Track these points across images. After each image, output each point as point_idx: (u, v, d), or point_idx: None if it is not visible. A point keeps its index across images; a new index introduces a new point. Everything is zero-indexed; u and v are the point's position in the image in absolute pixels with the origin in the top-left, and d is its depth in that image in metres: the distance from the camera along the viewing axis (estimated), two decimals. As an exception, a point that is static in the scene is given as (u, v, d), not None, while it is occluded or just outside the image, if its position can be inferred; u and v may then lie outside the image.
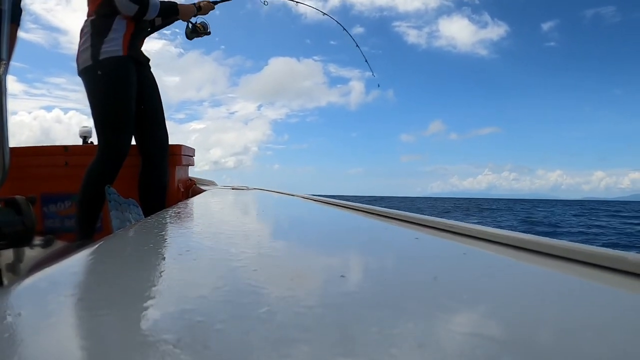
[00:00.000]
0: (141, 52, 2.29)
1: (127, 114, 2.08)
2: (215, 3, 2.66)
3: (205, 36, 2.55)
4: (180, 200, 2.59)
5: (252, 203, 1.64)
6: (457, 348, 0.29)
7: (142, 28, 2.22)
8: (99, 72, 2.06)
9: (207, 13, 2.56)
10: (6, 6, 1.20)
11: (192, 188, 2.78)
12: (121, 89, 2.08)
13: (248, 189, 2.36)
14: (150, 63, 2.29)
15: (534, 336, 0.31)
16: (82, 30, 2.13)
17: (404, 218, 0.96)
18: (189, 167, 2.92)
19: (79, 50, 2.11)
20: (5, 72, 1.23)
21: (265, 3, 2.95)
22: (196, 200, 1.75)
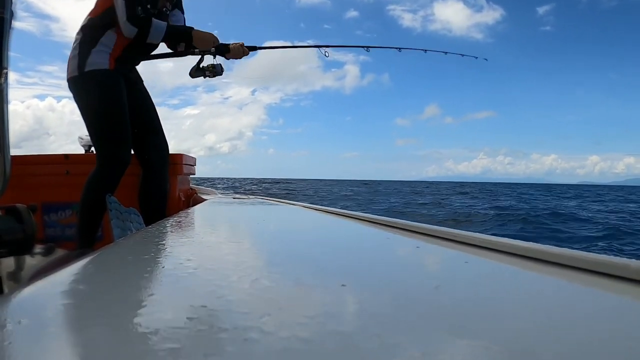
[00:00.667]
0: (134, 70, 2.25)
1: (120, 123, 2.05)
2: (253, 49, 2.48)
3: (211, 78, 2.39)
4: (182, 210, 2.59)
5: (252, 213, 1.64)
6: (460, 358, 0.29)
7: (142, 49, 2.17)
8: (85, 85, 2.04)
9: (238, 58, 2.39)
10: (8, 14, 1.21)
11: (194, 197, 2.78)
12: (109, 101, 2.04)
13: (249, 197, 2.36)
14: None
15: (538, 345, 0.31)
16: (77, 33, 2.10)
17: (405, 227, 0.96)
18: (190, 175, 2.93)
19: (69, 56, 2.08)
20: (6, 80, 1.24)
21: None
22: (197, 210, 1.74)
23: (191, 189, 2.91)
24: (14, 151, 1.31)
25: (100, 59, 2.02)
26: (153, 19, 2.02)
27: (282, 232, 1.14)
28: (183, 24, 2.33)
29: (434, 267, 0.66)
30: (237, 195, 2.52)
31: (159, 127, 2.30)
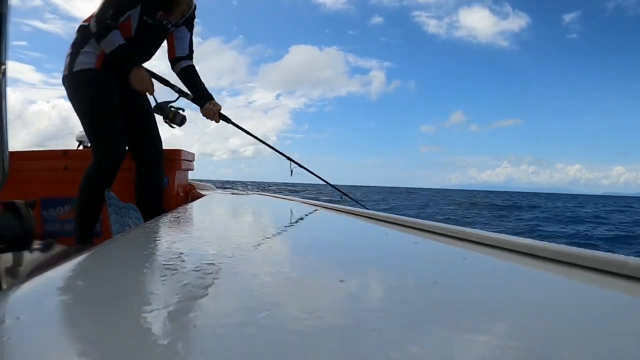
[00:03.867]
0: (127, 70, 2.20)
1: (111, 118, 2.06)
2: (225, 120, 2.39)
3: (168, 123, 2.24)
4: (180, 205, 2.59)
5: (250, 208, 1.64)
6: (458, 353, 0.29)
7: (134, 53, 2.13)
8: (74, 84, 2.07)
9: (208, 118, 2.34)
10: (7, 9, 1.20)
11: (192, 193, 2.78)
12: (97, 97, 2.06)
13: (248, 193, 2.36)
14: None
15: (535, 341, 0.31)
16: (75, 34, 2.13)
17: (404, 223, 0.96)
18: (189, 171, 2.93)
19: (66, 53, 2.12)
20: (4, 76, 1.24)
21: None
22: (195, 205, 1.74)
23: (190, 184, 2.91)
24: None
25: (87, 59, 2.05)
26: (114, 31, 2.00)
27: (279, 228, 1.14)
28: (187, 44, 2.34)
29: (433, 263, 0.67)
30: (236, 191, 2.52)
31: (153, 124, 2.30)
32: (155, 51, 2.30)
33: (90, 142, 2.13)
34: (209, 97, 2.34)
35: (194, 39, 2.39)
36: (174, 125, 2.24)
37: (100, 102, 2.06)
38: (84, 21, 2.11)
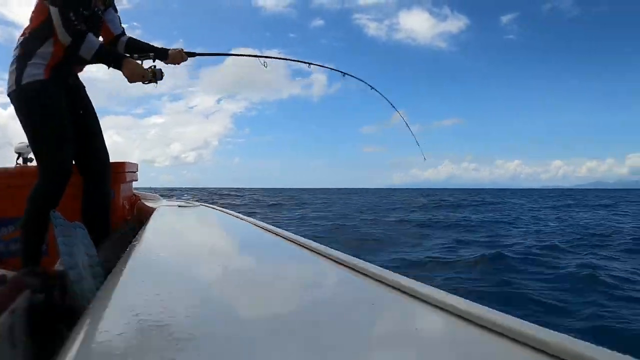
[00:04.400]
0: (75, 77, 2.27)
1: (60, 134, 2.06)
2: (192, 55, 2.54)
3: (152, 82, 2.28)
4: (126, 218, 2.67)
5: (194, 225, 1.79)
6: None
7: (79, 58, 2.15)
8: (23, 98, 2.05)
9: (177, 63, 2.48)
10: None
11: (137, 204, 2.84)
12: (46, 112, 2.06)
13: (194, 205, 2.44)
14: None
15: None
16: (14, 49, 2.10)
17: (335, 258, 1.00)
18: (133, 182, 2.99)
19: (9, 71, 2.10)
20: None
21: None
22: (144, 227, 1.81)
23: (134, 195, 2.97)
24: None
25: (35, 71, 2.04)
26: (88, 33, 2.04)
27: (208, 246, 1.29)
28: (118, 22, 2.42)
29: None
30: (182, 203, 2.60)
31: (100, 138, 2.33)
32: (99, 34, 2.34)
33: (36, 158, 2.12)
34: (167, 49, 2.46)
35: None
36: (156, 82, 2.30)
37: (48, 118, 2.06)
38: (22, 34, 2.10)
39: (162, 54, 2.44)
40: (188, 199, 2.96)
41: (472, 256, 7.32)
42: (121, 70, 2.16)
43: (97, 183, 2.29)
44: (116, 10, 2.43)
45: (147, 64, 2.36)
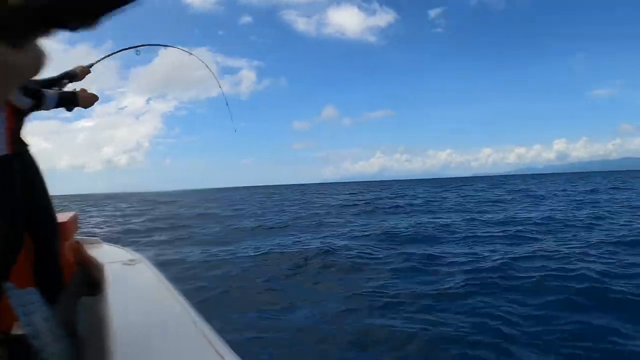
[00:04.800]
0: (21, 138, 2.20)
1: (14, 206, 2.05)
2: (90, 66, 2.67)
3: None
4: (73, 269, 2.74)
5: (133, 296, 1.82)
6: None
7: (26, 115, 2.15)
8: None
9: (83, 79, 2.59)
10: None
11: (80, 254, 2.91)
12: (5, 193, 2.02)
13: (134, 263, 2.40)
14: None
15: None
16: None
17: None
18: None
19: None
20: None
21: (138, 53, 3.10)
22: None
23: (76, 242, 3.03)
24: None
25: None
26: (42, 89, 2.08)
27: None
28: None
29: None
30: (127, 259, 2.51)
31: (48, 203, 2.33)
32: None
33: None
34: (68, 71, 2.57)
35: (58, 46, 2.53)
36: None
37: (4, 191, 2.01)
38: None
39: (72, 76, 2.57)
40: (130, 249, 3.00)
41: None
42: (78, 105, 2.29)
43: (47, 246, 2.31)
44: None
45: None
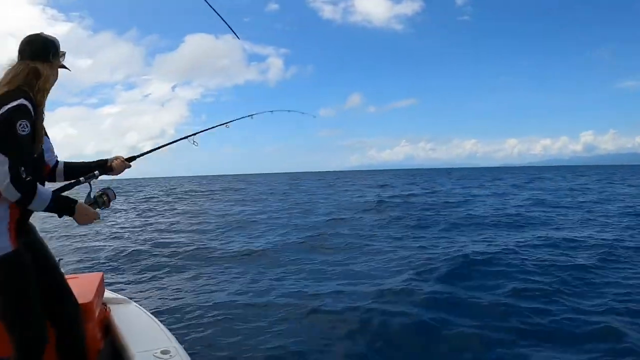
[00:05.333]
0: (28, 224, 2.03)
1: (34, 305, 1.89)
2: (133, 159, 2.43)
3: (107, 208, 2.16)
4: (99, 345, 2.49)
5: None
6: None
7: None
8: None
9: (121, 172, 2.35)
10: None
11: (107, 320, 2.69)
12: (19, 286, 1.85)
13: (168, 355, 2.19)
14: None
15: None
16: None
17: None
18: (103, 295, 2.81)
19: None
20: None
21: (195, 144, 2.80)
22: None
23: (103, 305, 2.79)
24: None
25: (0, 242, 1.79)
26: (39, 186, 1.80)
27: None
28: (52, 149, 2.18)
29: None
30: (159, 350, 2.24)
31: (64, 286, 2.15)
32: (44, 181, 2.08)
33: (7, 330, 1.90)
34: (106, 160, 2.32)
35: (84, 31, 2.28)
36: (113, 200, 2.19)
37: (21, 291, 1.85)
38: None
39: (106, 169, 2.29)
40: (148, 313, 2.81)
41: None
42: (72, 217, 1.95)
43: (69, 329, 2.11)
44: (47, 135, 2.15)
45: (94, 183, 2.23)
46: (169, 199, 26.22)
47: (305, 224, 11.95)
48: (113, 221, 14.53)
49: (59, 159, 2.26)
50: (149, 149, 2.60)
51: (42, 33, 2.00)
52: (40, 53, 1.94)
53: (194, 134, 2.82)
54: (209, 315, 4.79)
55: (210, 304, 5.16)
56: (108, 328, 2.68)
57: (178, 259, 7.94)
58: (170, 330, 2.60)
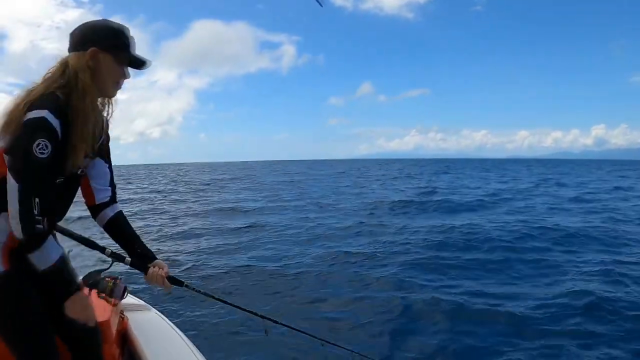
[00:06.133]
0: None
1: (36, 341, 1.56)
2: (178, 284, 1.90)
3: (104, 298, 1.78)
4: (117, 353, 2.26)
5: None
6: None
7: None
8: None
9: (151, 284, 1.81)
10: None
11: (125, 330, 2.46)
12: (14, 316, 1.52)
13: None
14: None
15: None
16: None
17: None
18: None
19: None
20: None
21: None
22: None
23: (121, 315, 2.55)
24: None
25: None
26: (49, 240, 1.49)
27: None
28: (109, 181, 1.78)
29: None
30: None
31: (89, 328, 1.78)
32: (72, 200, 1.72)
33: None
34: (151, 257, 1.83)
35: (93, 17, 1.80)
36: (114, 300, 1.80)
37: (17, 325, 1.53)
38: None
39: (141, 267, 1.81)
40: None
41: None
42: (63, 298, 1.59)
43: (86, 353, 1.84)
44: (108, 162, 1.76)
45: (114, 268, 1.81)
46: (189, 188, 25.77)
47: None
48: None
49: (117, 202, 1.82)
50: (206, 294, 2.04)
51: (102, 20, 1.64)
52: (80, 41, 1.54)
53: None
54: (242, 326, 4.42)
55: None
56: (125, 338, 2.44)
57: (206, 256, 7.57)
58: (193, 343, 2.36)
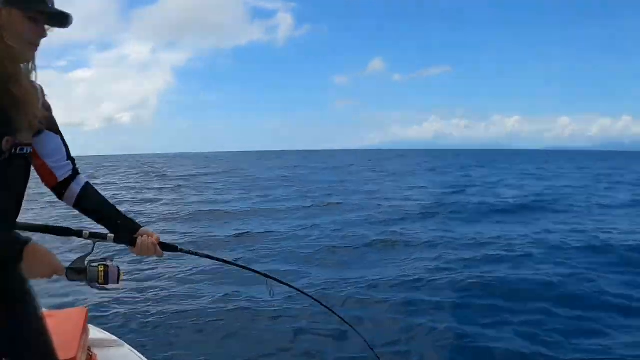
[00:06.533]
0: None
1: None
2: (172, 250, 1.74)
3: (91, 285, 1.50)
4: None
5: None
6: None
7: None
8: None
9: (145, 255, 1.67)
10: None
11: None
12: None
13: None
14: None
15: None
16: None
17: None
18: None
19: None
20: None
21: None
22: None
23: (89, 353, 2.31)
24: None
25: None
26: None
27: None
28: (65, 156, 1.59)
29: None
30: None
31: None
32: (24, 188, 1.47)
33: None
34: (136, 227, 1.65)
35: None
36: (108, 287, 1.51)
37: None
38: None
39: (127, 240, 1.64)
40: None
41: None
42: (19, 268, 1.35)
43: None
44: (59, 132, 1.57)
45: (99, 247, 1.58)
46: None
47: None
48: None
49: (81, 174, 1.65)
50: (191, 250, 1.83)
51: None
52: None
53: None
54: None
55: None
56: None
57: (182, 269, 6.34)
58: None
